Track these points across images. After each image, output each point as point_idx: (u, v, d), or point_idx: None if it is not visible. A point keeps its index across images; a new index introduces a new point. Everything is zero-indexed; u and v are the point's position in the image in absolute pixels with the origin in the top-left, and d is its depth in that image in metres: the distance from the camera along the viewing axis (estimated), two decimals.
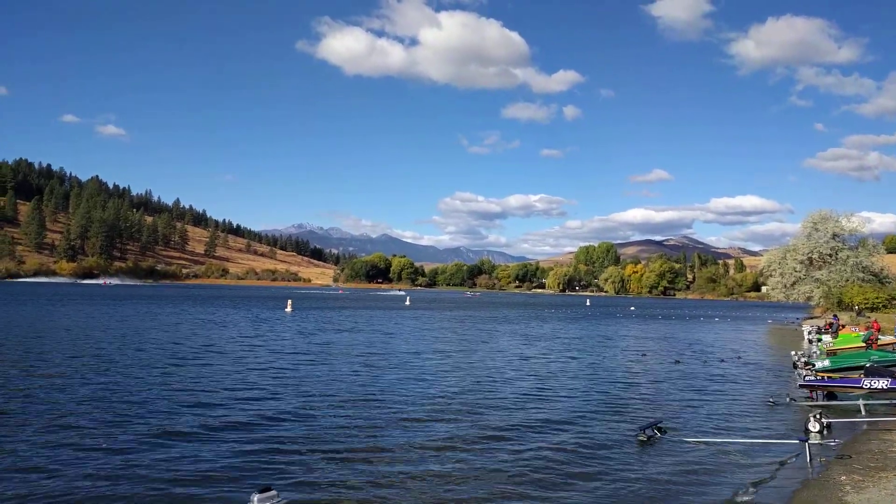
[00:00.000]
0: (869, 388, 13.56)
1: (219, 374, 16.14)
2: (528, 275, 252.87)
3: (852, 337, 24.36)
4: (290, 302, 55.59)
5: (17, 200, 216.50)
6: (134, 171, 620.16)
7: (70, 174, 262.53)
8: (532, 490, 7.89)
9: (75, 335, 24.92)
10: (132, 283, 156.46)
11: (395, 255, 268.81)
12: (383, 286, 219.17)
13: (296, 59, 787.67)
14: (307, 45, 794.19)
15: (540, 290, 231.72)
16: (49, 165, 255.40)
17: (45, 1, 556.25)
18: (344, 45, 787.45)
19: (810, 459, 9.06)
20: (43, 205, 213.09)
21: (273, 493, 5.11)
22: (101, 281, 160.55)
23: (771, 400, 14.48)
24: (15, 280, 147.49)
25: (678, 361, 22.49)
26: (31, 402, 11.87)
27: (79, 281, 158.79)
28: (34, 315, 36.23)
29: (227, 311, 48.48)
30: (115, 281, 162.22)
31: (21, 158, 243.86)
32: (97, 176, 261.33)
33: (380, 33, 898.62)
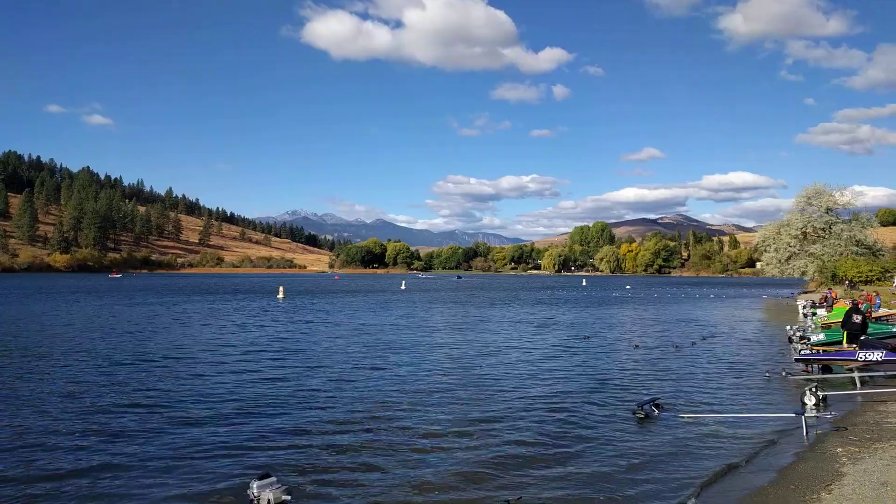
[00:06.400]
0: (864, 361, 13.64)
1: (217, 361, 16.12)
2: (524, 256, 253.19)
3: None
4: (281, 289, 55.54)
5: (8, 193, 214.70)
6: (124, 160, 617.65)
7: (60, 165, 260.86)
8: (532, 466, 7.93)
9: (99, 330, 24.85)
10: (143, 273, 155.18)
11: (390, 240, 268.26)
12: (379, 271, 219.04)
13: (281, 44, 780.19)
14: (291, 30, 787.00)
15: (536, 272, 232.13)
16: (39, 157, 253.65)
17: None
18: (328, 28, 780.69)
19: (806, 432, 9.13)
20: (34, 197, 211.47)
21: (272, 479, 5.08)
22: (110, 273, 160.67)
23: (767, 374, 14.59)
24: (12, 273, 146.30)
25: (676, 346, 22.55)
26: (16, 394, 11.85)
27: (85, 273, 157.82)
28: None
29: (224, 301, 48.39)
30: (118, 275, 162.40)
31: (10, 150, 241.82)
32: (88, 167, 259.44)
33: (364, 16, 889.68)
